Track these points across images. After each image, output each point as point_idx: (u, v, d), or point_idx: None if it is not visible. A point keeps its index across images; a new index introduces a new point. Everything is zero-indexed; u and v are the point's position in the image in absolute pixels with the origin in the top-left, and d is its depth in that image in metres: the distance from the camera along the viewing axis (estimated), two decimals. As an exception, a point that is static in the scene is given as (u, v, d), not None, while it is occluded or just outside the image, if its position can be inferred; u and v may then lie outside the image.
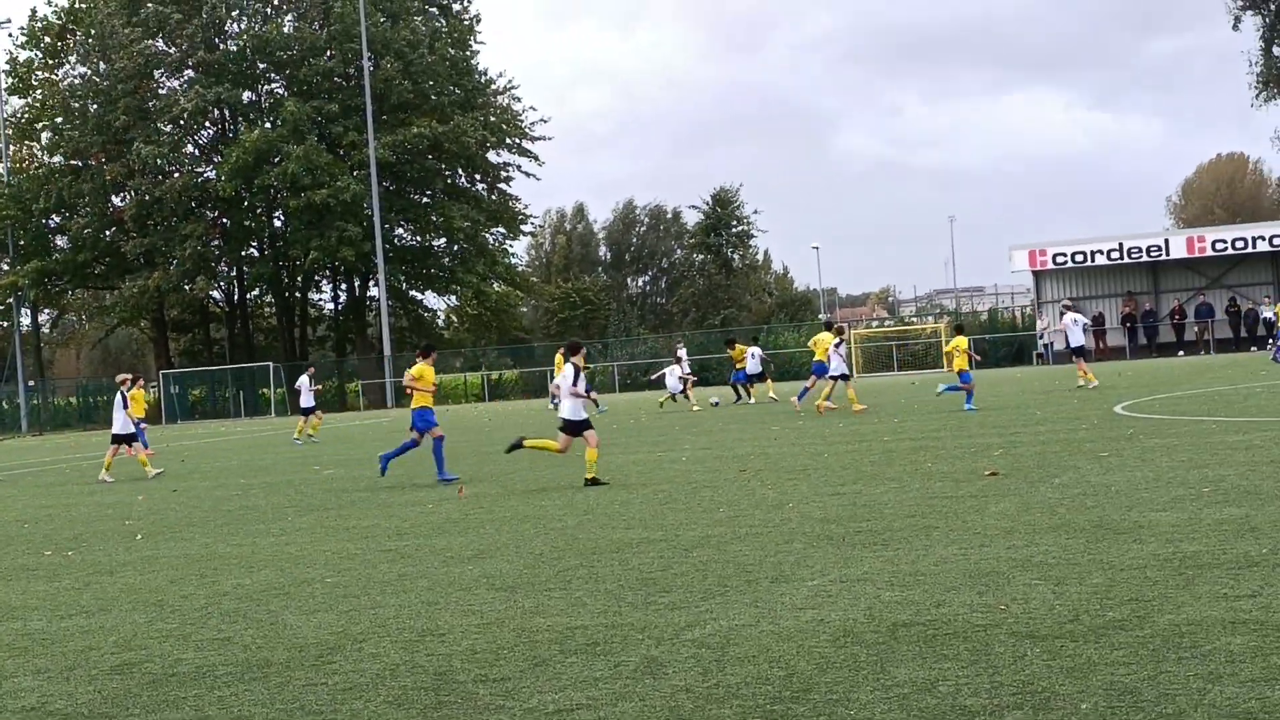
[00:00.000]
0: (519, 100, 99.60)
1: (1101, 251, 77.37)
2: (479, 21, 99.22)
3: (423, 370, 24.43)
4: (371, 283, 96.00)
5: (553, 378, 45.66)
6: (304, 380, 45.67)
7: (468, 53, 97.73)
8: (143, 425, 33.52)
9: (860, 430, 29.59)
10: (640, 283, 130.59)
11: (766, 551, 12.99)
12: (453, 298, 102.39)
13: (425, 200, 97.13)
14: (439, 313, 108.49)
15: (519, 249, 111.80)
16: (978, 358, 45.21)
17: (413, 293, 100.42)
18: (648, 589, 11.41)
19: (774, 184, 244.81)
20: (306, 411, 44.69)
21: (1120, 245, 77.08)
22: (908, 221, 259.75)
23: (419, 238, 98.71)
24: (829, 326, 40.74)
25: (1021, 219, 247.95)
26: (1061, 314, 44.36)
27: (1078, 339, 42.18)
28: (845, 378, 37.82)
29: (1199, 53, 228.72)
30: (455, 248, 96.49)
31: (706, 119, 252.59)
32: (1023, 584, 10.44)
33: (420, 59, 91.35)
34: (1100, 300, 79.61)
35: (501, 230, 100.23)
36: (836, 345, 37.36)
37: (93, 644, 10.78)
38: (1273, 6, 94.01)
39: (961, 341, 36.38)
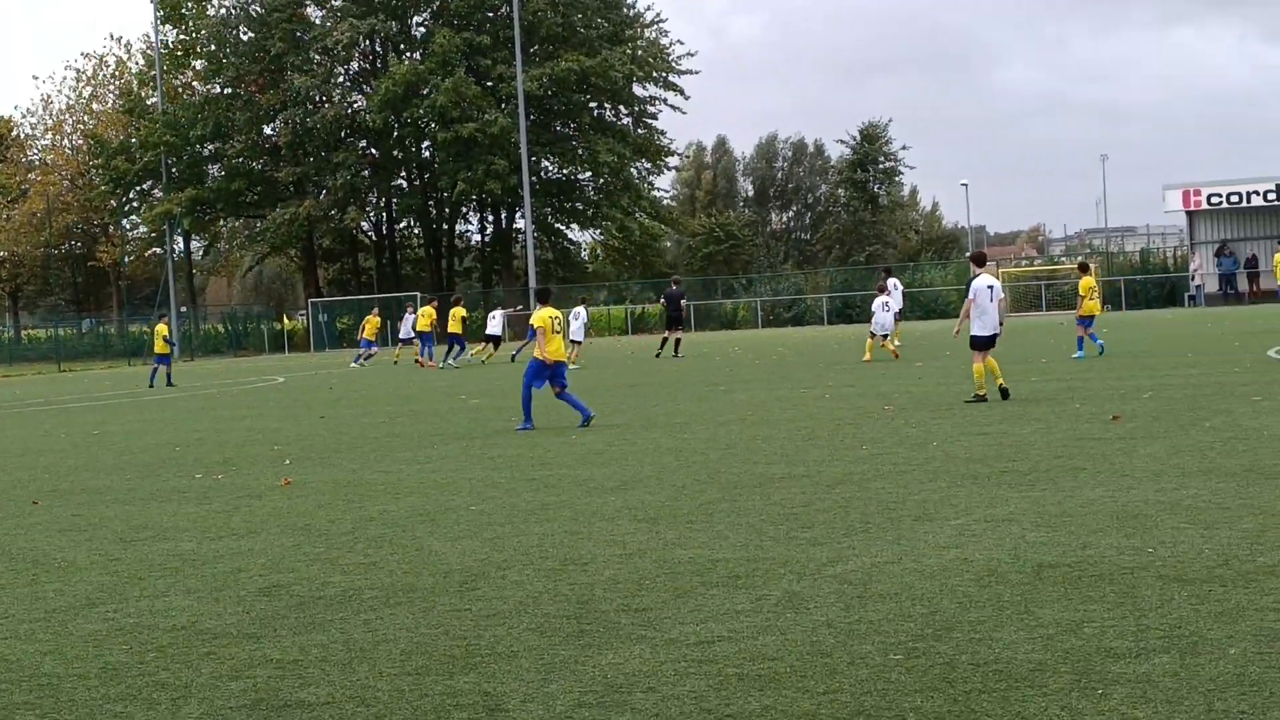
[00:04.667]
0: (667, 34, 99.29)
1: (1258, 192, 75.77)
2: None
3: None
4: (518, 215, 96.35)
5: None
6: (497, 313, 51.79)
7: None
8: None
9: (1008, 370, 29.25)
10: (784, 218, 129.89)
11: (910, 490, 12.92)
12: (597, 231, 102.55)
13: (571, 134, 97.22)
14: (583, 246, 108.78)
15: (663, 183, 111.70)
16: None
17: (558, 226, 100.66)
18: (790, 524, 11.40)
19: (930, 118, 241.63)
20: (490, 339, 50.49)
21: (1277, 186, 75.40)
22: (1063, 158, 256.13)
23: (565, 171, 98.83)
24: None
25: (1180, 157, 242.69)
26: None
27: None
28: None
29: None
30: (600, 181, 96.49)
31: (865, 51, 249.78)
32: (1171, 527, 10.30)
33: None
34: (1255, 243, 77.95)
35: (646, 164, 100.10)
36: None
37: (241, 566, 10.97)
38: None
39: (1089, 282, 34.36)
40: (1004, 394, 21.88)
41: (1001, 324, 22.74)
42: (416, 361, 50.49)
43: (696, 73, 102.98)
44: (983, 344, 22.28)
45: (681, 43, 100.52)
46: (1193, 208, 77.64)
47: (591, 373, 38.42)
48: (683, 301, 46.72)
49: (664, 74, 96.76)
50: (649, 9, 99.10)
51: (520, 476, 15.64)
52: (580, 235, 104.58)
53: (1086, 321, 33.38)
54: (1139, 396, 21.14)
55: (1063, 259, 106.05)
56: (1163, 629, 7.47)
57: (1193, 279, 77.26)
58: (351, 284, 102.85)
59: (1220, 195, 76.45)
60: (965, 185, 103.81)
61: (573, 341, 45.26)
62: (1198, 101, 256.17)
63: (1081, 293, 34.22)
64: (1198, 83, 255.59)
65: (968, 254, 24.26)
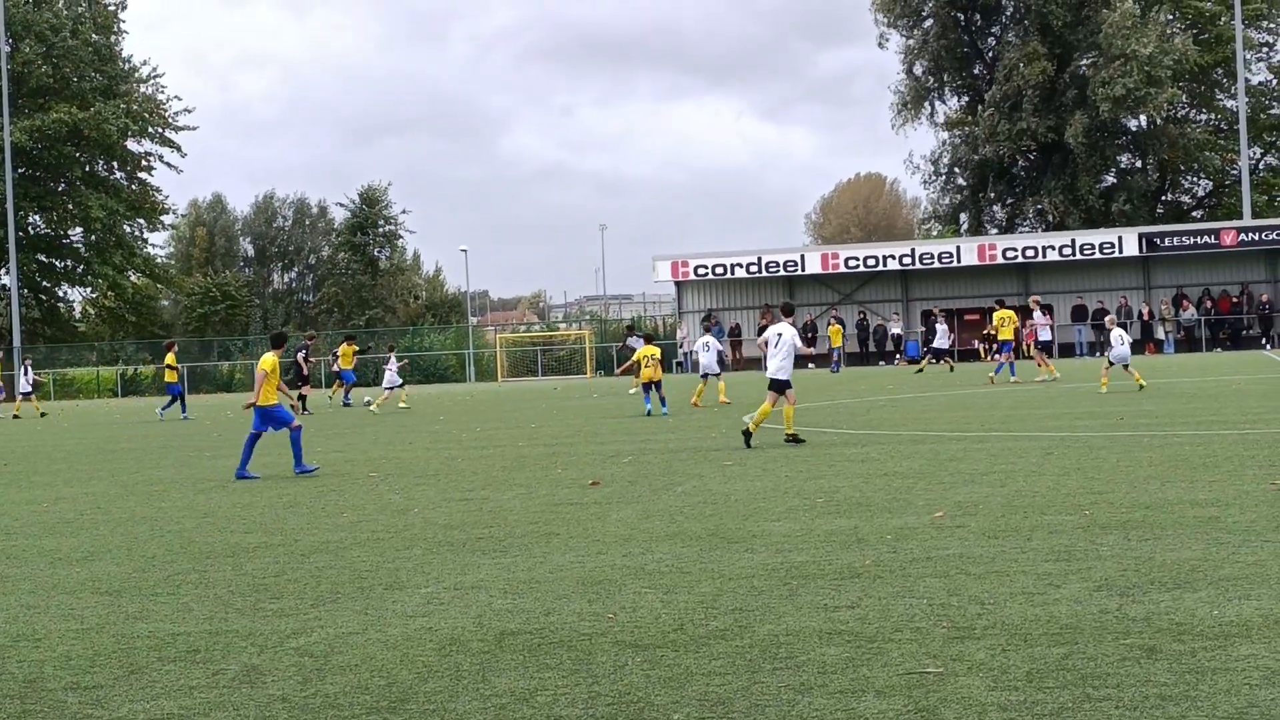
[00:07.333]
0: (164, 89, 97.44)
1: (741, 265, 79.11)
2: (124, 8, 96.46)
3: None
4: (3, 271, 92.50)
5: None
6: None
7: (111, 39, 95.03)
8: None
9: (496, 436, 29.67)
10: (286, 279, 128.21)
11: (385, 558, 12.88)
12: (89, 290, 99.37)
13: (61, 188, 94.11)
14: (75, 305, 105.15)
15: (160, 241, 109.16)
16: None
17: (46, 283, 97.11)
18: (258, 595, 11.20)
19: (439, 182, 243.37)
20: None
21: (759, 259, 78.95)
22: (566, 226, 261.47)
23: (54, 227, 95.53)
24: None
25: (678, 228, 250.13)
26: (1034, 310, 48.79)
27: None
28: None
29: (865, 68, 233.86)
30: (92, 238, 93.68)
31: (378, 111, 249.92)
32: (633, 592, 10.56)
33: (62, 43, 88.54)
34: (739, 313, 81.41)
35: (141, 221, 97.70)
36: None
37: None
38: (917, 31, 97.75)
39: (1007, 315, 44.26)
40: (791, 440, 23.09)
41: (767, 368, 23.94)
42: None
43: (194, 129, 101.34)
44: (772, 385, 23.65)
45: (179, 99, 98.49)
46: (681, 278, 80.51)
47: (77, 435, 37.04)
48: (299, 355, 46.66)
49: (160, 129, 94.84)
50: (145, 63, 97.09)
51: (-19, 548, 14.89)
52: (71, 293, 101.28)
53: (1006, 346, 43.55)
54: (619, 461, 21.70)
55: (561, 324, 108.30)
56: (612, 695, 7.63)
57: (681, 346, 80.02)
58: None
59: (706, 267, 79.51)
60: (465, 250, 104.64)
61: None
62: (695, 175, 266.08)
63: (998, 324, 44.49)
64: (696, 157, 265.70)
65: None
